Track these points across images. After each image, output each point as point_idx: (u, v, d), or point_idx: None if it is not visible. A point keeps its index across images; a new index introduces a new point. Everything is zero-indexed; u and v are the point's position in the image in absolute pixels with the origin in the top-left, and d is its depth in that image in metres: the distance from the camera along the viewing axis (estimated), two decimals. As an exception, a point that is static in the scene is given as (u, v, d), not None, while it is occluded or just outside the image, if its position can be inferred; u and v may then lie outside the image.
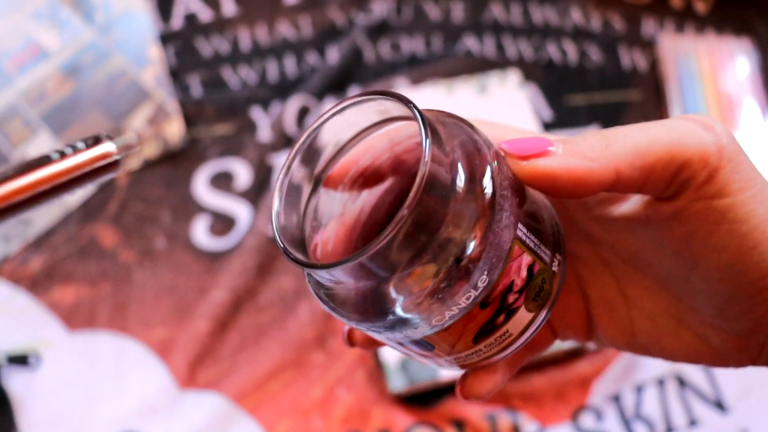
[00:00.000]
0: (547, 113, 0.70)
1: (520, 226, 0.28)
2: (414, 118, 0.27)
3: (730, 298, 0.30)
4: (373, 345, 0.34)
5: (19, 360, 0.59)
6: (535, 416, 0.58)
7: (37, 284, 0.62)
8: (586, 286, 0.35)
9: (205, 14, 0.74)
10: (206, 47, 0.73)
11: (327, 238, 0.31)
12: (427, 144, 0.26)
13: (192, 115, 0.69)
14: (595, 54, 0.73)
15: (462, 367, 0.32)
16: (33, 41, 0.71)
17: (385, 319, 0.28)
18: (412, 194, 0.25)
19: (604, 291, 0.34)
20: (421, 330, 0.29)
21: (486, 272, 0.27)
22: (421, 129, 0.26)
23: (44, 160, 0.29)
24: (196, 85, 0.71)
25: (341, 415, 0.58)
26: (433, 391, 0.58)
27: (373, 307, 0.28)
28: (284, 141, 0.68)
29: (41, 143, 0.67)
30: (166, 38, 0.73)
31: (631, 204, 0.31)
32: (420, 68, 0.72)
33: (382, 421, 0.58)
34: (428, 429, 0.57)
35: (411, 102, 0.27)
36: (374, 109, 0.29)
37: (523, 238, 0.28)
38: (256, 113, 0.70)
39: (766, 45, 0.73)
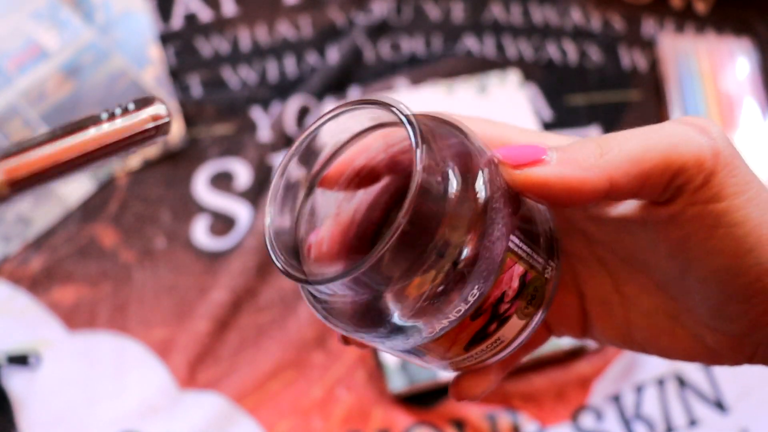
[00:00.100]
0: (547, 113, 0.70)
1: (512, 237, 0.28)
2: (405, 128, 0.26)
3: (726, 300, 0.30)
4: (368, 345, 0.34)
5: (19, 360, 0.59)
6: (535, 416, 0.58)
7: (37, 284, 0.62)
8: (582, 284, 0.35)
9: (205, 14, 0.74)
10: (206, 47, 0.73)
11: (322, 238, 0.31)
12: (418, 155, 0.26)
13: (192, 115, 0.69)
14: (595, 54, 0.73)
15: (456, 370, 0.32)
16: (33, 41, 0.71)
17: (377, 329, 0.28)
18: (405, 207, 0.25)
19: (600, 289, 0.34)
20: (413, 340, 0.29)
21: (477, 286, 0.27)
22: (411, 139, 0.26)
23: (93, 120, 0.28)
24: (196, 85, 0.71)
25: (341, 415, 0.58)
26: (433, 391, 0.58)
27: (364, 317, 0.28)
28: (284, 141, 0.68)
29: None
30: (166, 38, 0.73)
31: (627, 206, 0.31)
32: (420, 68, 0.72)
33: (382, 421, 0.58)
34: (428, 429, 0.57)
35: (402, 111, 0.27)
36: (367, 116, 0.29)
37: (516, 248, 0.28)
38: (256, 113, 0.70)
39: (766, 45, 0.73)
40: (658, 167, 0.28)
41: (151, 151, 0.67)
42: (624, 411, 0.57)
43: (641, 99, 0.71)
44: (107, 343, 0.60)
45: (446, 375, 0.57)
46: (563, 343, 0.58)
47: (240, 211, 0.65)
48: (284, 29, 0.74)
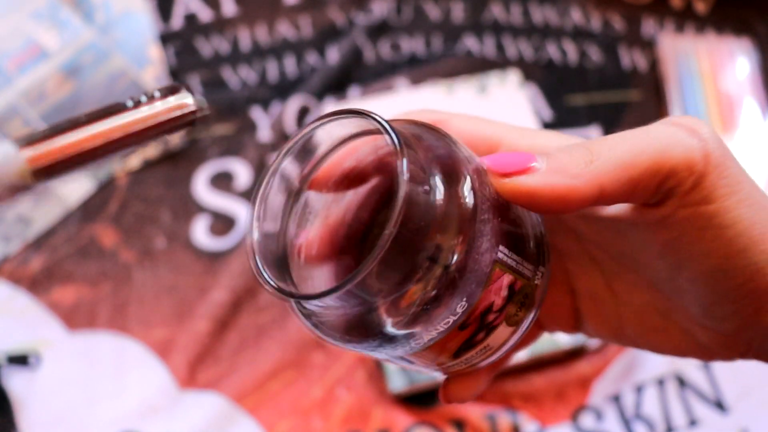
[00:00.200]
0: (547, 113, 0.70)
1: (501, 247, 0.28)
2: (390, 140, 0.26)
3: (717, 300, 0.30)
4: None
5: (19, 360, 0.59)
6: (535, 416, 0.58)
7: (37, 284, 0.62)
8: (573, 280, 0.35)
9: (205, 14, 0.74)
10: (206, 47, 0.73)
11: (311, 240, 0.30)
12: (402, 166, 0.25)
13: (192, 115, 0.69)
14: (595, 54, 0.73)
15: (445, 373, 0.32)
16: (33, 41, 0.71)
17: (366, 340, 0.28)
18: (392, 218, 0.25)
19: (591, 285, 0.34)
20: (402, 350, 0.29)
21: (465, 297, 0.27)
22: (396, 149, 0.26)
23: (118, 108, 0.27)
24: (196, 85, 0.71)
25: (341, 415, 0.58)
26: (433, 391, 0.58)
27: (353, 329, 0.28)
28: (284, 141, 0.68)
29: None
30: (166, 38, 0.73)
31: (618, 206, 0.31)
32: (420, 68, 0.71)
33: (382, 421, 0.58)
34: (428, 429, 0.57)
35: (384, 121, 0.26)
36: (352, 125, 0.29)
37: (504, 259, 0.28)
38: (256, 113, 0.70)
39: (766, 45, 0.73)
40: (648, 172, 0.27)
41: (150, 150, 0.67)
42: (624, 411, 0.57)
43: (641, 99, 0.71)
44: (107, 343, 0.60)
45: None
46: (563, 343, 0.58)
47: (240, 211, 0.65)
48: (284, 29, 0.74)
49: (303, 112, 0.69)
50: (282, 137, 0.68)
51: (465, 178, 0.27)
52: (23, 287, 0.62)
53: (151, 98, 0.28)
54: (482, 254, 0.27)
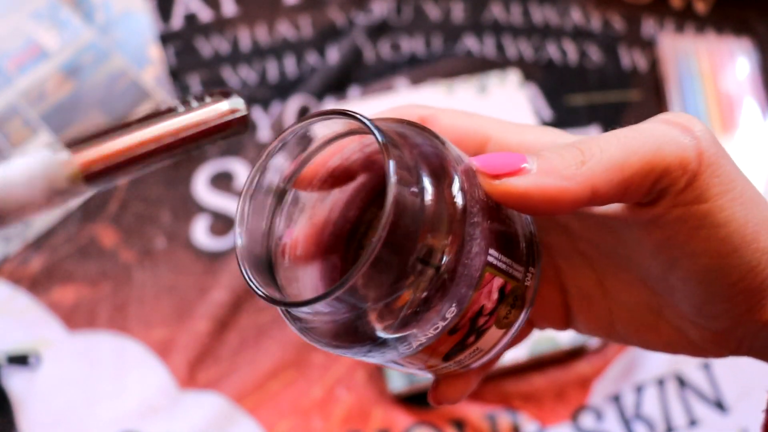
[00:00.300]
0: (547, 113, 0.70)
1: (491, 250, 0.27)
2: (375, 139, 0.26)
3: (709, 298, 0.30)
4: None
5: (19, 360, 0.59)
6: (535, 416, 0.58)
7: (37, 284, 0.62)
8: (564, 278, 0.35)
9: (205, 14, 0.74)
10: (206, 47, 0.73)
11: (296, 239, 0.30)
12: (390, 168, 0.25)
13: (192, 115, 0.69)
14: (595, 54, 0.73)
15: (435, 375, 0.32)
16: (33, 41, 0.71)
17: (355, 345, 0.28)
18: (382, 222, 0.24)
19: (582, 282, 0.34)
20: (391, 355, 0.28)
21: (455, 303, 0.27)
22: (383, 152, 0.25)
23: (169, 112, 0.27)
24: (196, 85, 0.71)
25: (341, 415, 0.58)
26: (433, 391, 0.58)
27: (342, 335, 0.28)
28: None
29: (41, 144, 0.67)
30: (166, 38, 0.73)
31: (610, 205, 0.31)
32: (420, 68, 0.72)
33: (382, 421, 0.58)
34: (428, 429, 0.57)
35: (371, 122, 0.26)
36: (338, 125, 0.28)
37: (495, 262, 0.27)
38: (256, 113, 0.70)
39: (766, 45, 0.73)
40: (641, 172, 0.27)
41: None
42: (624, 411, 0.57)
43: (641, 99, 0.71)
44: (107, 343, 0.60)
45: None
46: (563, 343, 0.58)
47: (240, 211, 0.65)
48: (284, 29, 0.74)
49: (303, 112, 0.69)
50: (282, 137, 0.68)
51: (454, 180, 0.27)
52: (23, 287, 0.62)
53: (201, 103, 0.27)
54: (472, 258, 0.26)
